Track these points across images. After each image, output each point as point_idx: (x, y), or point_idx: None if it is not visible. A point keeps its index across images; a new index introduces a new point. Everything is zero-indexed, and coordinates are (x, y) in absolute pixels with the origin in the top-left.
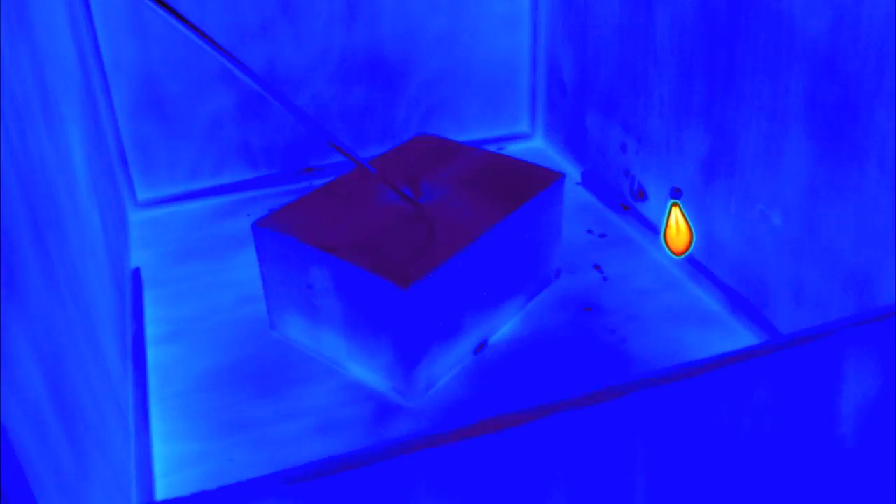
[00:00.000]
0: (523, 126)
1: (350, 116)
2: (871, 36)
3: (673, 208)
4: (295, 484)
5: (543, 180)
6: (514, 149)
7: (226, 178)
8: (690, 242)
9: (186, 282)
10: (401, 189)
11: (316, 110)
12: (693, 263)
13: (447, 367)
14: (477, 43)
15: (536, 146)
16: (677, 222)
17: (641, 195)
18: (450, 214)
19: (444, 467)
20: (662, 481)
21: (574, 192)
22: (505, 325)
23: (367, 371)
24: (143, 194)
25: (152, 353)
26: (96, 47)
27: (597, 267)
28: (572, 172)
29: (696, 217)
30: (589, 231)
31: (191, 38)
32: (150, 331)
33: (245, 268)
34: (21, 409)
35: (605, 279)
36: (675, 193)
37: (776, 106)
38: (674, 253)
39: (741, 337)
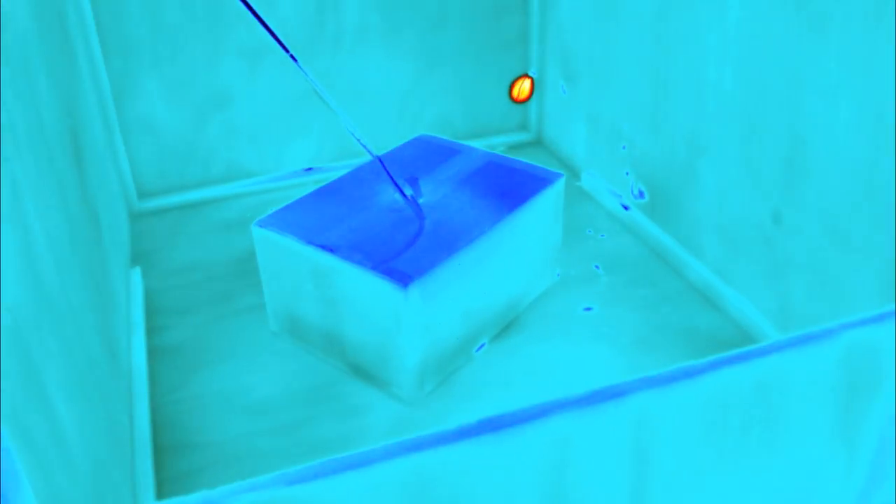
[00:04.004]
0: (525, 126)
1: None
2: None
3: (526, 78)
4: (295, 485)
5: (543, 180)
6: (514, 149)
7: (226, 178)
8: (526, 99)
9: (188, 287)
10: (402, 190)
11: (318, 114)
12: (680, 251)
13: (447, 365)
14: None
15: (537, 146)
16: (520, 89)
17: (641, 195)
18: (450, 214)
19: (444, 467)
20: (662, 481)
21: (575, 192)
22: (504, 325)
23: (367, 370)
24: (143, 194)
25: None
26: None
27: (597, 266)
28: (573, 173)
29: (674, 198)
30: (589, 231)
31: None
32: (150, 338)
33: (249, 273)
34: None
35: (604, 278)
36: (533, 73)
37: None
38: (514, 98)
39: (744, 326)
